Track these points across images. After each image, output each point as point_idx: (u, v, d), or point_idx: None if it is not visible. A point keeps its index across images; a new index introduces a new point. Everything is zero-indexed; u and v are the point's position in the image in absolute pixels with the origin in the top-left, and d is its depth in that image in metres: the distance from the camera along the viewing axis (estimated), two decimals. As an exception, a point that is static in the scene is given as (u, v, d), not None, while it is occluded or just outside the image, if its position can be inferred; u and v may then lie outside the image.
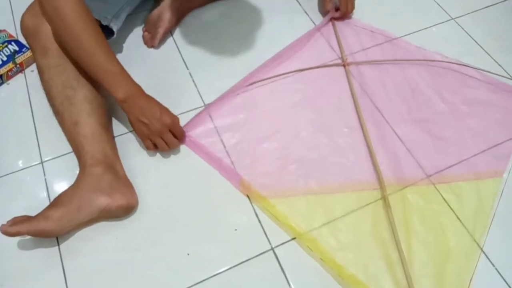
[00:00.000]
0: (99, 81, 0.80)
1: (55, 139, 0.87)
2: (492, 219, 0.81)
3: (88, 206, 0.75)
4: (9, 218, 0.71)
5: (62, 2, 0.76)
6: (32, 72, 0.99)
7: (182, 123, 0.88)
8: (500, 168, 0.87)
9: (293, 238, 0.78)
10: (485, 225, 0.80)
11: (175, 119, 0.84)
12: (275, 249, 0.77)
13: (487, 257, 0.77)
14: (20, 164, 0.86)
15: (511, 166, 0.87)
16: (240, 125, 0.92)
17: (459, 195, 0.84)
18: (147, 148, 0.85)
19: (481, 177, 0.86)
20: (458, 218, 0.81)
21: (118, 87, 0.78)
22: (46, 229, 0.71)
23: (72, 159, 0.84)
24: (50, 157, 0.87)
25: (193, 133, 0.91)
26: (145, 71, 0.99)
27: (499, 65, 1.03)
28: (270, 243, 0.78)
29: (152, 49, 1.04)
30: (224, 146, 0.89)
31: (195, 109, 0.94)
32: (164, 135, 0.82)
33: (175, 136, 0.84)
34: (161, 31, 1.03)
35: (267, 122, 0.93)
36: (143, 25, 1.06)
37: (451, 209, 0.82)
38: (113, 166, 0.80)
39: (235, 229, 0.79)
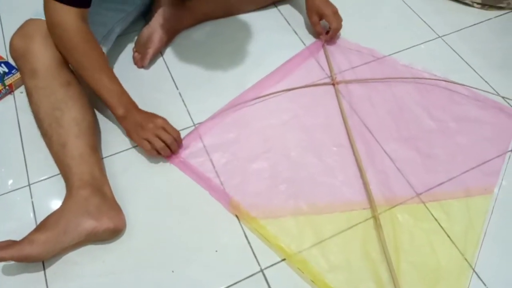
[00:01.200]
0: (101, 99, 0.84)
1: (43, 161, 0.87)
2: (483, 237, 0.80)
3: (75, 229, 0.74)
4: (-6, 242, 0.70)
5: (65, 24, 0.80)
6: (21, 94, 0.99)
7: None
8: (490, 185, 0.87)
9: (283, 260, 0.77)
10: (476, 243, 0.80)
11: (165, 119, 0.87)
12: (265, 271, 0.76)
13: (478, 277, 0.76)
14: (7, 186, 0.86)
15: (501, 183, 0.87)
16: (229, 145, 0.92)
17: (449, 213, 0.83)
18: (145, 151, 0.86)
19: (471, 194, 0.86)
20: (449, 237, 0.80)
21: (119, 106, 0.84)
22: (31, 254, 0.70)
23: (60, 182, 0.83)
24: (38, 180, 0.87)
25: (183, 154, 0.90)
26: (135, 91, 0.98)
27: (485, 81, 1.04)
28: (259, 265, 0.77)
29: (142, 69, 1.04)
30: (214, 166, 0.89)
31: (185, 128, 0.94)
32: (160, 134, 0.85)
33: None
34: (151, 51, 1.04)
35: (257, 142, 0.93)
36: (133, 46, 1.07)
37: (442, 227, 0.82)
38: (100, 188, 0.80)
39: (216, 250, 0.78)
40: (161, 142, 0.85)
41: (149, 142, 0.85)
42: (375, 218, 0.81)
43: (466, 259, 0.78)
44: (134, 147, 0.91)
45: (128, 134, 0.87)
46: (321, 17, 1.08)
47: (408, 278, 0.75)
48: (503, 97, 1.00)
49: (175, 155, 0.89)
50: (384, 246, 0.78)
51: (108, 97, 0.83)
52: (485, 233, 0.81)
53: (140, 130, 0.84)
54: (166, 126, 0.86)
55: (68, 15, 0.79)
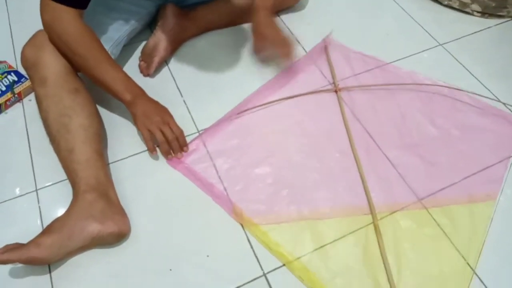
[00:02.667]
0: (107, 89, 0.87)
1: (50, 167, 0.88)
2: (485, 243, 0.80)
3: (80, 233, 0.75)
4: (2, 246, 0.71)
5: (63, 23, 0.83)
6: (30, 102, 1.02)
7: (175, 149, 0.89)
8: (492, 191, 0.87)
9: (284, 265, 0.78)
10: (479, 249, 0.79)
11: (171, 116, 0.90)
12: (267, 275, 0.76)
13: (482, 282, 0.76)
14: (15, 191, 0.87)
15: (504, 189, 0.87)
16: (233, 151, 0.93)
17: (452, 219, 0.83)
18: (144, 139, 0.88)
19: (474, 200, 0.86)
20: (452, 243, 0.80)
21: (126, 91, 0.87)
22: (37, 256, 0.71)
23: (66, 187, 0.85)
24: (45, 185, 0.88)
25: (187, 160, 0.92)
26: (140, 99, 1.01)
27: (487, 88, 1.05)
28: (262, 269, 0.77)
29: (147, 78, 1.07)
30: (217, 172, 0.90)
31: (189, 135, 0.95)
32: (164, 129, 0.87)
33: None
34: (156, 60, 1.06)
35: (260, 147, 0.94)
36: (139, 55, 1.09)
37: (444, 233, 0.82)
38: (106, 193, 0.81)
39: (219, 255, 0.79)
40: (162, 136, 0.87)
41: (151, 132, 0.87)
42: (375, 226, 0.81)
43: (469, 265, 0.77)
44: (139, 153, 0.93)
45: (134, 119, 0.89)
46: (264, 41, 1.01)
47: (410, 285, 0.75)
48: (504, 104, 1.01)
49: (179, 160, 0.91)
50: (383, 253, 0.78)
51: (114, 84, 0.86)
52: (487, 239, 0.80)
53: (146, 120, 0.87)
54: (171, 123, 0.89)
55: (66, 13, 0.82)
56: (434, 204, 0.85)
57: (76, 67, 0.88)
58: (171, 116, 0.90)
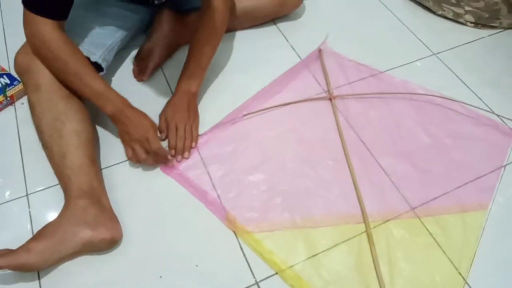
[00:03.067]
0: (89, 100, 0.86)
1: (41, 172, 0.88)
2: (477, 252, 0.80)
3: (72, 239, 0.74)
4: (-10, 251, 0.70)
5: (47, 36, 0.81)
6: (22, 105, 1.01)
7: (169, 155, 0.89)
8: (484, 200, 0.88)
9: (277, 273, 0.77)
10: (471, 258, 0.80)
11: (153, 127, 0.87)
12: (260, 283, 0.76)
13: (473, 291, 0.76)
14: (5, 196, 0.86)
15: (495, 198, 0.88)
16: (227, 157, 0.93)
17: (445, 228, 0.84)
18: (127, 155, 0.88)
19: (466, 209, 0.86)
20: (444, 252, 0.80)
21: (106, 105, 0.85)
22: (27, 262, 0.70)
23: (58, 192, 0.84)
24: (36, 190, 0.87)
25: (180, 166, 0.91)
26: (134, 104, 1.00)
27: (479, 98, 1.06)
28: (254, 277, 0.77)
29: (142, 83, 1.06)
30: (211, 178, 0.90)
31: (182, 141, 0.95)
32: (144, 143, 0.86)
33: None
34: (151, 65, 1.05)
35: (254, 154, 0.94)
36: (133, 60, 1.09)
37: (437, 242, 0.82)
38: (98, 199, 0.80)
39: (211, 263, 0.78)
40: (143, 154, 0.86)
41: (133, 150, 0.87)
42: (368, 234, 0.82)
43: (461, 274, 0.78)
44: (132, 158, 0.92)
45: (118, 133, 0.89)
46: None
47: None
48: (498, 115, 1.02)
49: (172, 167, 0.90)
50: (376, 262, 0.78)
51: (94, 96, 0.84)
52: (479, 248, 0.81)
53: (126, 136, 0.87)
54: (150, 138, 0.85)
55: (46, 26, 0.81)
56: (427, 213, 0.86)
57: (58, 80, 0.86)
58: (151, 127, 0.86)
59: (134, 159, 0.88)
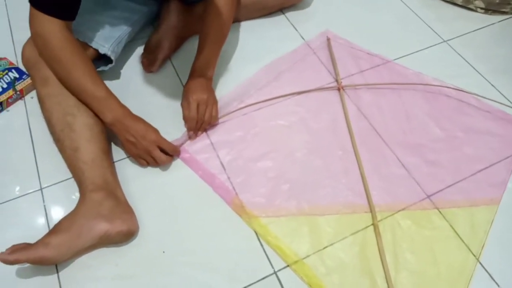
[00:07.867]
0: (88, 107, 0.83)
1: (54, 166, 0.87)
2: (484, 248, 0.79)
3: (88, 232, 0.74)
4: (8, 246, 0.70)
5: (49, 34, 0.79)
6: (31, 99, 1.00)
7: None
8: (495, 196, 0.87)
9: (288, 266, 0.77)
10: (478, 253, 0.79)
11: (157, 133, 0.86)
12: (278, 273, 0.76)
13: (480, 285, 0.75)
14: (19, 191, 0.86)
15: (507, 194, 0.87)
16: (236, 143, 0.93)
17: (453, 222, 0.83)
18: (141, 165, 0.88)
19: (476, 204, 0.85)
20: (451, 245, 0.79)
21: (106, 112, 0.83)
22: (45, 256, 0.70)
23: (71, 186, 0.84)
24: (49, 184, 0.87)
25: (190, 149, 0.91)
26: (144, 96, 1.00)
27: (492, 85, 1.05)
28: (272, 267, 0.77)
29: (151, 74, 1.05)
30: (221, 162, 0.90)
31: (194, 131, 0.94)
32: (152, 152, 0.85)
33: (165, 152, 0.86)
34: (160, 57, 1.05)
35: (263, 142, 0.93)
36: (142, 51, 1.08)
37: (444, 235, 0.81)
38: (113, 192, 0.80)
39: (228, 253, 0.78)
40: (154, 162, 0.86)
41: (142, 158, 0.86)
42: (374, 225, 0.81)
43: (467, 268, 0.77)
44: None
45: (122, 144, 0.87)
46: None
47: (407, 285, 0.75)
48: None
49: (182, 149, 0.91)
50: (381, 253, 0.77)
51: (93, 102, 0.82)
52: (487, 242, 0.80)
53: (133, 147, 0.84)
54: (160, 142, 0.85)
55: (53, 26, 0.79)
56: (436, 205, 0.85)
57: (61, 83, 0.84)
58: (156, 134, 0.85)
59: (150, 166, 0.88)
